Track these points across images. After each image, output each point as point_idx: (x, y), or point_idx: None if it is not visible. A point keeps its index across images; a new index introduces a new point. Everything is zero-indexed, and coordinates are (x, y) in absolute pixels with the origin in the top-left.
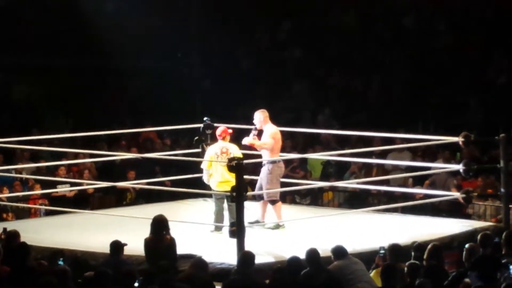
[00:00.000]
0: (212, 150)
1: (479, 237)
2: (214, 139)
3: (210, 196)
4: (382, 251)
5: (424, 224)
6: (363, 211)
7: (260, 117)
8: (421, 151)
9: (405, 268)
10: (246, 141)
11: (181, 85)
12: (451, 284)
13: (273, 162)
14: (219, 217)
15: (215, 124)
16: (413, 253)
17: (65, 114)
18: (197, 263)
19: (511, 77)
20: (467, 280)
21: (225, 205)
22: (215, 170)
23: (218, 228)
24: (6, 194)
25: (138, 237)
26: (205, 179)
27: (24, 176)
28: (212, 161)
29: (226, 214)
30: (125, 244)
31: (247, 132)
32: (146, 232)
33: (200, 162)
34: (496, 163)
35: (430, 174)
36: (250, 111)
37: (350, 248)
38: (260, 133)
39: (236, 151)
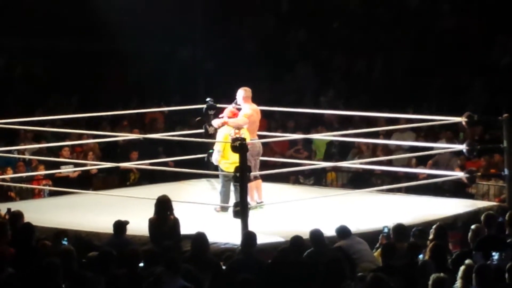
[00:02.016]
0: (226, 131)
1: (483, 217)
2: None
3: (213, 176)
4: (386, 230)
5: (427, 204)
6: (366, 191)
7: (241, 94)
8: (424, 131)
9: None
10: (216, 122)
11: (183, 67)
12: (453, 263)
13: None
14: (225, 198)
15: (218, 105)
16: (412, 238)
17: (67, 96)
18: (197, 240)
19: None
20: (469, 261)
21: (232, 186)
22: (226, 151)
23: (224, 209)
24: (10, 175)
25: (142, 218)
26: (216, 159)
27: (27, 156)
28: (226, 142)
29: (232, 195)
30: (127, 222)
31: None
32: (150, 213)
33: (208, 143)
34: (499, 143)
35: (433, 154)
36: (253, 93)
37: (354, 228)
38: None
39: (246, 133)
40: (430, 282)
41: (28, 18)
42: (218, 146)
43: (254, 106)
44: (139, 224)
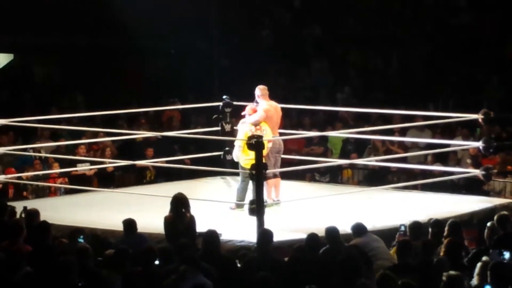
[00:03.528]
0: (246, 127)
1: (496, 218)
2: (233, 117)
3: (229, 174)
4: (402, 228)
5: (443, 201)
6: (382, 189)
7: (257, 92)
8: (440, 128)
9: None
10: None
11: (199, 64)
12: (470, 261)
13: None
14: (242, 195)
15: (235, 103)
16: (430, 230)
17: (84, 94)
18: (208, 237)
19: None
20: (486, 258)
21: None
22: (246, 147)
23: (239, 206)
24: (26, 173)
25: (158, 215)
26: (236, 155)
27: (44, 155)
28: (243, 140)
29: (250, 192)
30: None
31: None
32: (166, 210)
33: (224, 140)
34: None
35: (449, 151)
36: (268, 89)
37: (370, 225)
38: None
39: (268, 129)
40: (444, 280)
41: (44, 15)
42: (239, 142)
43: (272, 102)
44: (155, 222)
